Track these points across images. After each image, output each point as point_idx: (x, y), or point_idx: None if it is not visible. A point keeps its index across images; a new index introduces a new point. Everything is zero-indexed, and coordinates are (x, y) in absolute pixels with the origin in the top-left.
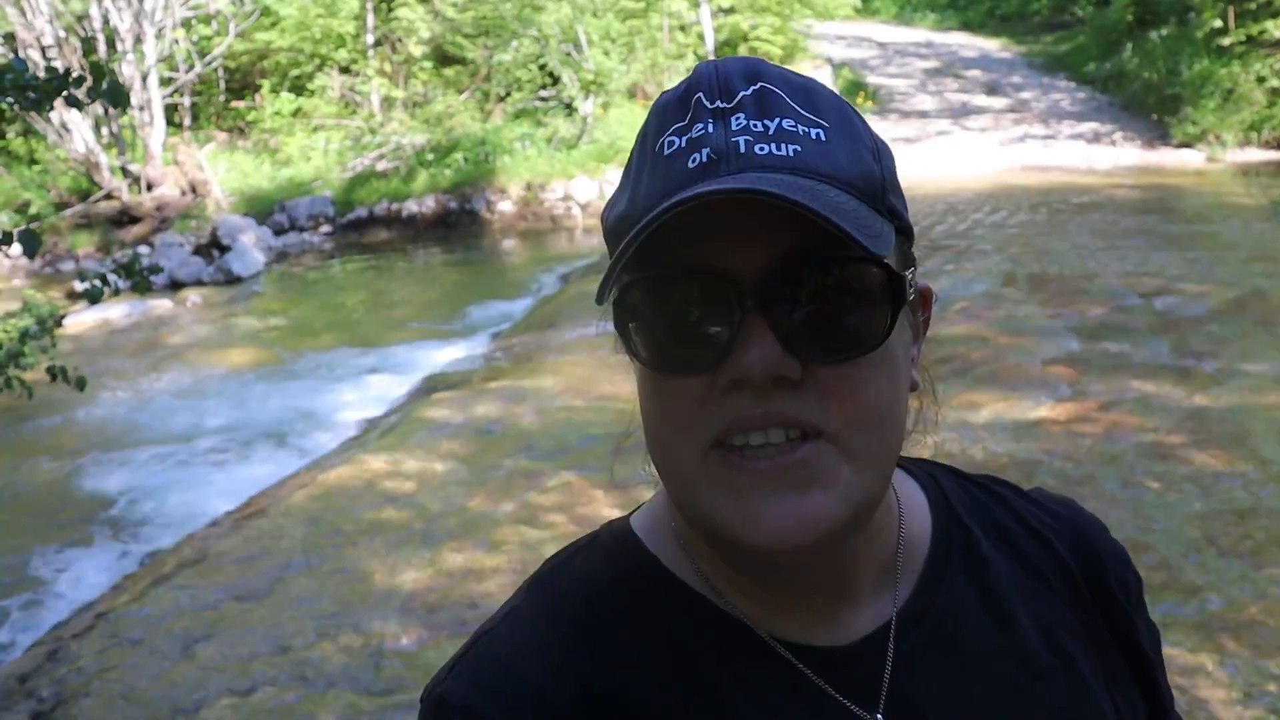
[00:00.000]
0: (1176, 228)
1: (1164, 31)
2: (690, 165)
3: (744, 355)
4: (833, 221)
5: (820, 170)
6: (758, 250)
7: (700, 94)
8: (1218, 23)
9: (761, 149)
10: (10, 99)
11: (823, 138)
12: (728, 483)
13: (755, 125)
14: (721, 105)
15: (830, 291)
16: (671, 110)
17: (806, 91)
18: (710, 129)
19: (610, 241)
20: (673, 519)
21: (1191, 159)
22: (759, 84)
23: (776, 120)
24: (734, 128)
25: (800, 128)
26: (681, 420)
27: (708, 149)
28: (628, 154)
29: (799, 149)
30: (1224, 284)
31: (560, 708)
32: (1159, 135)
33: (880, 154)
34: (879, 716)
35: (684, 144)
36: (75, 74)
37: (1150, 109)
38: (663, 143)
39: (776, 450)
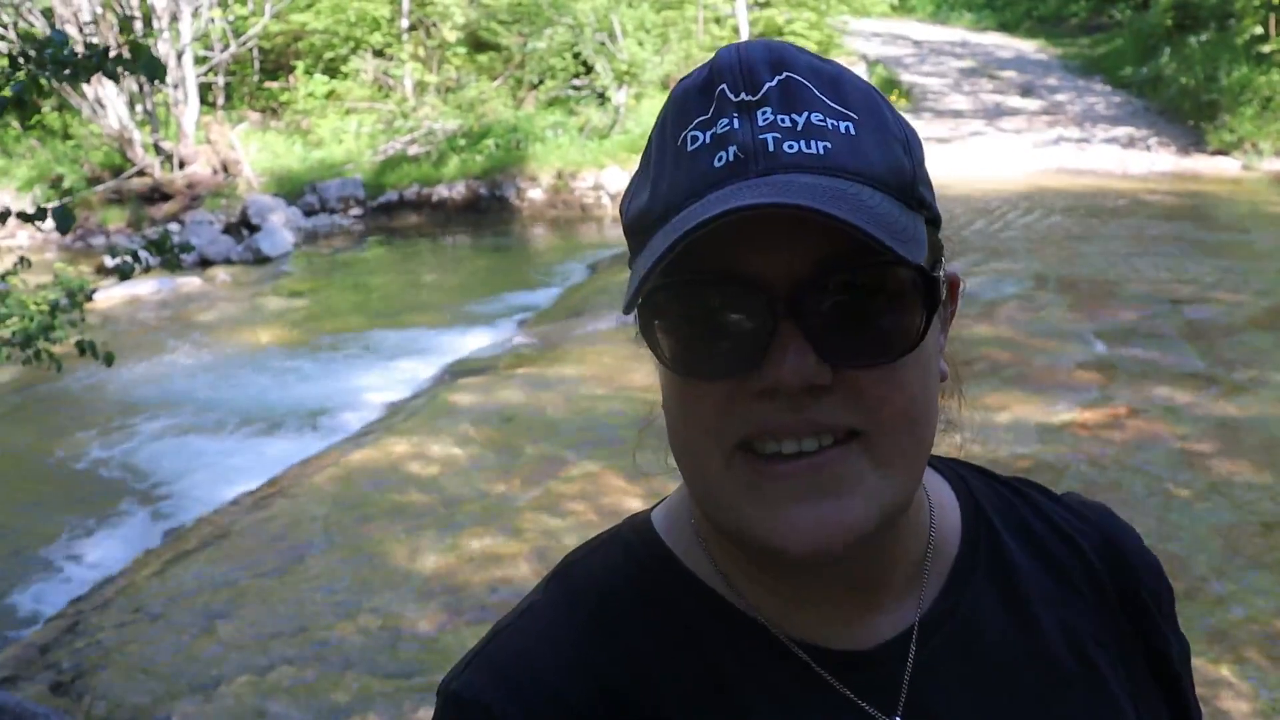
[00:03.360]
0: (1210, 235)
1: (1203, 37)
2: (716, 164)
3: (779, 364)
4: (867, 231)
5: (850, 168)
6: (789, 256)
7: (724, 85)
8: (1259, 29)
9: (790, 147)
10: (48, 72)
11: (852, 131)
12: (754, 488)
13: (783, 120)
14: (746, 98)
15: (863, 296)
16: (693, 100)
17: (834, 81)
18: (736, 124)
19: (631, 236)
20: (693, 515)
21: (1227, 166)
22: (784, 74)
23: (805, 115)
24: (760, 123)
25: (829, 121)
26: (707, 423)
27: (734, 147)
28: None
29: (828, 145)
30: (1257, 293)
31: (576, 705)
32: (1194, 142)
33: (910, 145)
34: (897, 719)
35: (708, 140)
36: (114, 52)
37: (1187, 115)
38: (685, 136)
39: (807, 457)
